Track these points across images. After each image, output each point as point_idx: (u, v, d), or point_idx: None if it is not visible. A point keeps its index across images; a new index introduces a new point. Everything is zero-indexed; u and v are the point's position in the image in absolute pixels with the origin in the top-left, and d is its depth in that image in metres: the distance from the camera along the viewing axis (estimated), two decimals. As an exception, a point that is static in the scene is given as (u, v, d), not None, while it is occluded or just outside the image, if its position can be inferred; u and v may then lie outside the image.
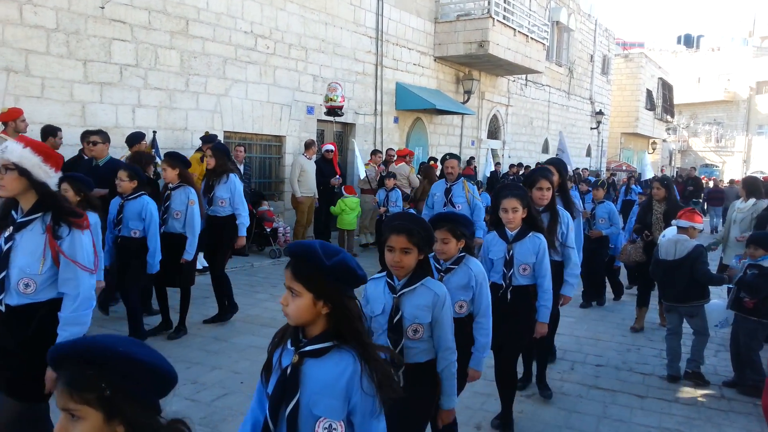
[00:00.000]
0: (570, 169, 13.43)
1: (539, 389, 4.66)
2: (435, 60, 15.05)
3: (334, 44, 11.74)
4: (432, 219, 3.11)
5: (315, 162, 10.35)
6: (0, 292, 2.75)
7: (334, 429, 1.73)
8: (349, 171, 12.57)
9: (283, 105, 10.74)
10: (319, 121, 11.62)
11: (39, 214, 2.77)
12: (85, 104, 7.66)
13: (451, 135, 16.27)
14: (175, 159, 5.65)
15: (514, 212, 3.66)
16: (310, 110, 11.31)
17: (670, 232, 5.50)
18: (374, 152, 11.80)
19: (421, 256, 2.54)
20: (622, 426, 4.22)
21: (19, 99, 6.91)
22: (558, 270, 4.26)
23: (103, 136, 6.65)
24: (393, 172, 9.99)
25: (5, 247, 2.75)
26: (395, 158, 11.50)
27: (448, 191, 6.71)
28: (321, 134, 11.88)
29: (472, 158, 15.97)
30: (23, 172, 2.71)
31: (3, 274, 2.74)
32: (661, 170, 33.03)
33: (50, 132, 6.68)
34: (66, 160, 6.73)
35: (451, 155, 6.96)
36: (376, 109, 13.11)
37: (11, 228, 2.77)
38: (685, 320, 5.28)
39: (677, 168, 41.30)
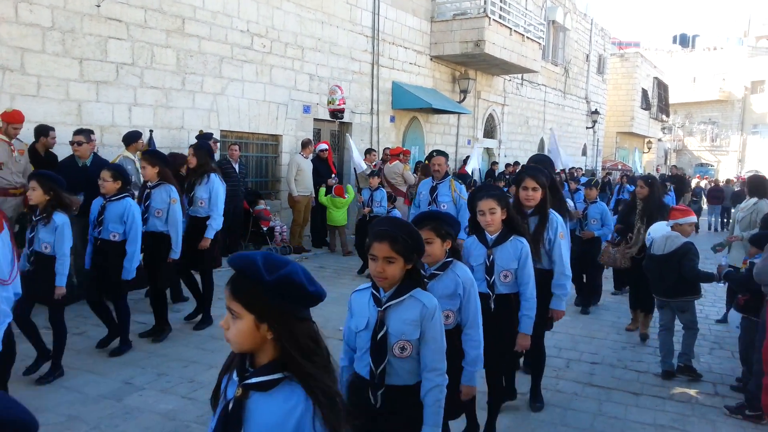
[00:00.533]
0: (563, 168, 13.36)
1: (530, 400, 4.42)
2: (431, 59, 15.06)
3: (330, 43, 11.74)
4: (414, 218, 2.92)
5: (311, 161, 10.37)
6: None
7: None
8: (346, 170, 12.59)
9: (280, 104, 10.74)
10: (315, 120, 11.62)
11: None
12: (81, 103, 7.65)
13: (447, 134, 16.29)
14: (154, 157, 5.51)
15: (491, 214, 3.40)
16: (306, 109, 11.32)
17: (656, 229, 5.53)
18: (368, 151, 11.84)
19: (408, 265, 2.30)
20: (617, 423, 4.24)
21: (14, 98, 6.90)
22: (543, 279, 3.91)
23: (86, 135, 6.65)
24: (377, 171, 9.80)
25: None
26: (389, 157, 11.52)
27: (433, 189, 6.52)
28: (317, 133, 11.89)
29: (468, 157, 15.98)
30: None
31: None
32: (656, 169, 33.14)
33: (42, 132, 6.67)
34: (60, 160, 6.77)
35: (438, 152, 6.75)
36: (372, 108, 13.12)
37: None
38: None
39: (672, 167, 41.44)
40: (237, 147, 9.38)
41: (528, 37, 16.22)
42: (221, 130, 9.63)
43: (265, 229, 9.81)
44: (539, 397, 4.43)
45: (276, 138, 10.95)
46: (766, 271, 4.28)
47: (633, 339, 6.29)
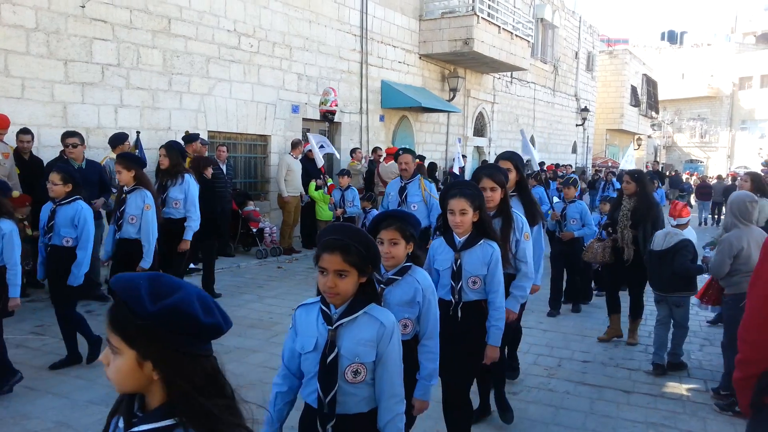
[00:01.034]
0: (534, 167, 13.16)
1: (499, 411, 4.14)
2: (420, 58, 15.04)
3: (318, 42, 11.69)
4: (377, 218, 2.70)
5: (300, 161, 10.32)
6: None
7: None
8: (335, 169, 12.54)
9: (268, 104, 10.69)
10: (304, 119, 11.57)
11: None
12: (66, 105, 7.57)
13: (437, 133, 16.28)
14: (130, 160, 5.26)
15: (462, 215, 3.11)
16: (295, 109, 11.26)
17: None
18: (354, 150, 11.81)
19: (362, 278, 2.06)
20: (609, 421, 4.23)
21: (-2, 100, 6.82)
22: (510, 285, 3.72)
23: (80, 137, 6.62)
24: (347, 170, 9.49)
25: None
26: (384, 157, 11.48)
27: (402, 190, 6.19)
28: (306, 133, 11.83)
29: (464, 156, 15.96)
30: None
31: None
32: (646, 166, 33.28)
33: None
34: (49, 162, 6.70)
35: (405, 150, 6.38)
36: (361, 108, 13.08)
37: None
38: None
39: (662, 164, 41.64)
40: (225, 148, 9.33)
41: (517, 35, 16.24)
42: (209, 131, 9.57)
43: (254, 230, 9.76)
44: (506, 405, 4.13)
45: (264, 138, 10.89)
46: (718, 266, 4.55)
47: (623, 336, 6.28)
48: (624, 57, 31.98)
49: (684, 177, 29.48)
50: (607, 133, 32.20)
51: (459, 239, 3.20)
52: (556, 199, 7.85)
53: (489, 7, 14.89)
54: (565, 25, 23.96)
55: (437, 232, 3.48)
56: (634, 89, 32.87)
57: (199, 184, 7.17)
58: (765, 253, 1.95)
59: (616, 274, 6.09)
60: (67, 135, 6.57)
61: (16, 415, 3.96)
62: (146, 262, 5.19)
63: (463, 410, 3.35)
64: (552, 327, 6.53)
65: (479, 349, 3.26)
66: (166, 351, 1.20)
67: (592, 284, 7.95)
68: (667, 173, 27.10)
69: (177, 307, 1.19)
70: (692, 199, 22.62)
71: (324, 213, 10.11)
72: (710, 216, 20.01)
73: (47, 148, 7.15)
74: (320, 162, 10.13)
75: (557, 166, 19.39)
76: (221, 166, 9.07)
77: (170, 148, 5.88)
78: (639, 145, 35.02)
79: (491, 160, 18.00)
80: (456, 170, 14.50)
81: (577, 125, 26.44)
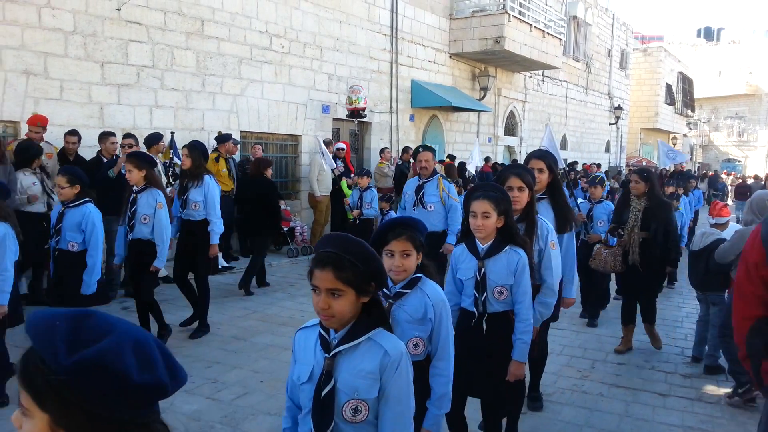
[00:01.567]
0: (563, 167, 12.70)
1: None
2: (450, 57, 14.97)
3: (348, 42, 11.73)
4: (383, 227, 2.43)
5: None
6: None
7: None
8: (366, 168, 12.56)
9: (299, 104, 10.76)
10: (334, 119, 11.62)
11: None
12: (103, 106, 7.73)
13: (468, 132, 16.19)
14: (140, 159, 5.10)
15: (484, 218, 2.88)
16: (325, 109, 11.32)
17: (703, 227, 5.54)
18: (383, 150, 11.77)
19: (362, 298, 1.77)
20: (644, 425, 4.15)
21: (38, 101, 7.00)
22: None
23: (135, 138, 6.91)
24: (367, 170, 9.08)
25: None
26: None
27: (419, 189, 5.83)
28: (337, 133, 11.89)
29: (488, 158, 15.85)
30: None
31: None
32: (681, 166, 32.57)
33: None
34: (87, 160, 6.86)
35: (425, 147, 6.02)
36: (391, 107, 13.08)
37: None
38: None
39: (698, 163, 40.76)
40: (259, 147, 9.41)
41: (548, 33, 16.06)
42: (241, 131, 9.67)
43: (285, 229, 9.82)
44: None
45: (295, 138, 10.97)
46: (724, 252, 4.72)
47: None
48: (659, 54, 31.38)
49: (722, 177, 28.83)
50: (642, 132, 31.64)
51: (482, 246, 2.96)
52: (581, 200, 7.45)
53: (520, 5, 14.76)
54: (597, 23, 23.61)
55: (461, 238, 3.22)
56: (669, 87, 32.21)
57: (259, 183, 7.52)
58: (752, 238, 2.07)
59: (627, 281, 5.70)
60: (123, 136, 6.80)
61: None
62: (160, 261, 5.11)
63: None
64: (585, 329, 6.44)
65: (504, 363, 3.03)
66: (83, 417, 0.90)
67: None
68: (704, 173, 26.53)
69: (98, 361, 0.88)
70: (729, 199, 22.15)
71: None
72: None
73: (84, 148, 7.30)
74: (332, 164, 10.06)
75: (592, 165, 19.08)
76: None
77: (193, 148, 5.70)
78: (674, 144, 34.29)
79: (521, 160, 17.84)
80: (472, 170, 13.54)
81: (610, 124, 26.03)
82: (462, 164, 13.36)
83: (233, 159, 8.76)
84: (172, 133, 8.31)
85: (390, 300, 2.38)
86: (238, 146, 9.14)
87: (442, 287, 2.61)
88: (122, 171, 5.97)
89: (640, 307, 5.64)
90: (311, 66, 10.93)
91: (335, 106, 11.44)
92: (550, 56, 16.35)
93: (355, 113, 11.17)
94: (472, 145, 16.09)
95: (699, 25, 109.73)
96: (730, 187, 27.46)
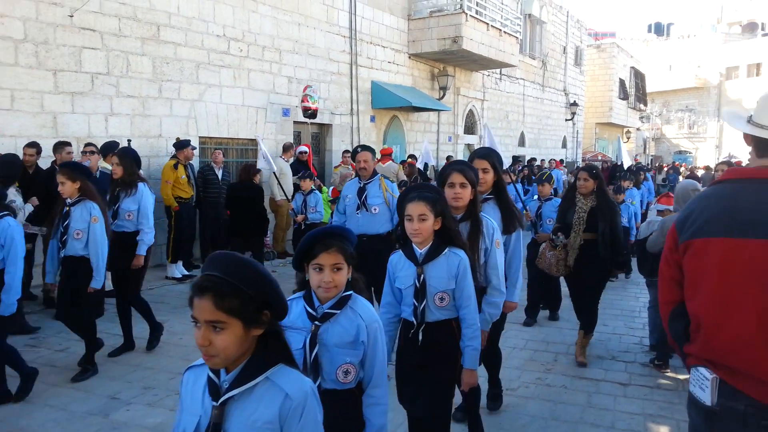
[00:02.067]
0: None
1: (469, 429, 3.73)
2: (409, 57, 15.08)
3: (308, 45, 11.71)
4: (311, 237, 2.12)
5: (291, 164, 10.32)
6: None
7: None
8: (327, 171, 12.57)
9: (259, 108, 10.70)
10: (295, 122, 11.58)
11: None
12: (56, 115, 7.56)
13: (428, 132, 16.32)
14: (74, 170, 4.74)
15: (421, 221, 2.68)
16: (285, 112, 11.27)
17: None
18: (345, 152, 11.77)
19: (256, 330, 1.50)
20: (606, 414, 4.28)
21: (-12, 112, 6.81)
22: (480, 299, 3.24)
23: (95, 146, 6.85)
24: (310, 173, 8.52)
25: None
26: (380, 157, 11.47)
27: (361, 191, 5.51)
28: (298, 136, 11.85)
29: (450, 156, 16.01)
30: None
31: None
32: (635, 159, 33.47)
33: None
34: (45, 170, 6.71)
35: (363, 147, 5.68)
36: (352, 109, 13.10)
37: None
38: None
39: (651, 156, 41.89)
40: (220, 152, 9.28)
41: (505, 32, 16.31)
42: (200, 137, 9.57)
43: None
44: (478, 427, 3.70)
45: (256, 142, 10.88)
46: (652, 242, 5.07)
47: (618, 330, 6.35)
48: (612, 50, 32.12)
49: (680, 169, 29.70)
50: (597, 127, 32.33)
51: (420, 251, 2.76)
52: (535, 198, 7.32)
53: (477, 5, 14.95)
54: (552, 21, 24.05)
55: (397, 245, 2.95)
56: (622, 82, 33.02)
57: (249, 188, 7.73)
58: (670, 234, 2.15)
59: (572, 286, 5.45)
60: (84, 144, 6.66)
61: (14, 429, 3.96)
62: (97, 281, 4.74)
63: None
64: (548, 322, 6.59)
65: (449, 375, 2.85)
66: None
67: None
68: (659, 166, 27.25)
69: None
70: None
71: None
72: None
73: (40, 159, 7.12)
74: (272, 167, 9.52)
75: (551, 161, 19.43)
76: (216, 171, 9.08)
77: (123, 155, 5.34)
78: (628, 138, 35.18)
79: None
80: (420, 167, 13.20)
81: (566, 120, 26.55)
82: (425, 164, 13.46)
83: (192, 165, 8.66)
84: (129, 141, 8.18)
85: (317, 322, 2.12)
86: (195, 151, 9.03)
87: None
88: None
89: (581, 312, 5.39)
90: (270, 69, 10.87)
91: (296, 109, 11.40)
92: (507, 54, 16.60)
93: (309, 113, 11.06)
94: (433, 144, 16.26)
95: (649, 21, 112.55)
96: (680, 178, 28.27)
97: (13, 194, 5.90)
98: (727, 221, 1.90)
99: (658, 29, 55.22)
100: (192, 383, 1.60)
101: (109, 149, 7.09)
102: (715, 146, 42.36)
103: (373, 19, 13.69)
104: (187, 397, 1.60)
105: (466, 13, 14.30)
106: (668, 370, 5.09)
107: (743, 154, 29.77)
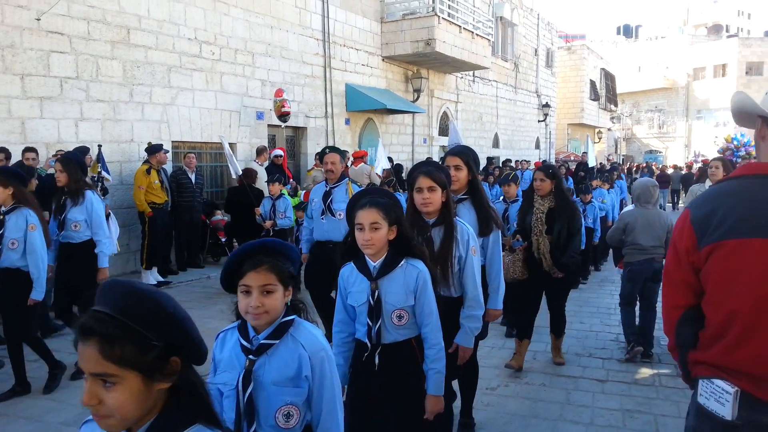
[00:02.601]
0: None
1: None
2: (383, 60, 15.09)
3: (281, 48, 11.65)
4: (239, 253, 1.84)
5: (266, 168, 10.24)
6: None
7: None
8: (302, 174, 12.50)
9: (232, 111, 10.60)
10: (269, 126, 11.51)
11: None
12: (24, 120, 7.39)
13: (403, 134, 16.36)
14: (7, 176, 4.43)
15: (373, 230, 2.36)
16: (259, 116, 11.19)
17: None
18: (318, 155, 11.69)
19: (161, 383, 1.18)
20: (585, 411, 4.31)
21: (-48, 118, 6.63)
22: (454, 311, 3.02)
23: (36, 152, 6.65)
24: (279, 176, 8.08)
25: None
26: (352, 160, 11.44)
27: (327, 195, 5.22)
28: (272, 139, 11.77)
29: (429, 158, 16.06)
30: None
31: None
32: (608, 159, 33.97)
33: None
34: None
35: (331, 149, 5.40)
36: (326, 112, 13.06)
37: None
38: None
39: (623, 155, 42.53)
40: (193, 155, 9.18)
41: (477, 34, 16.43)
42: (173, 141, 9.45)
43: (223, 240, 9.66)
44: None
45: (230, 146, 10.78)
46: (610, 235, 5.46)
47: (595, 327, 6.41)
48: (582, 52, 32.56)
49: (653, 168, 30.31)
50: (569, 128, 32.73)
51: (373, 264, 2.44)
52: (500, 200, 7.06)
53: (449, 8, 15.05)
54: (523, 23, 24.30)
55: (345, 257, 2.60)
56: (593, 83, 33.49)
57: (246, 193, 7.84)
58: (681, 222, 1.99)
59: (531, 290, 5.04)
60: (32, 150, 6.45)
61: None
62: (38, 293, 4.45)
63: None
64: (525, 321, 6.62)
65: (414, 403, 2.52)
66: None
67: None
68: (630, 167, 27.70)
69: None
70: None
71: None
72: (672, 201, 21.77)
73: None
74: (238, 171, 9.09)
75: (522, 162, 19.58)
76: (189, 176, 8.97)
77: (67, 162, 4.95)
78: (600, 138, 35.69)
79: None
80: (379, 171, 12.50)
81: (539, 121, 26.83)
82: (398, 166, 13.47)
83: (165, 170, 8.55)
84: (100, 146, 8.02)
85: (251, 356, 1.80)
86: (168, 155, 8.91)
87: None
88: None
89: (551, 317, 5.25)
90: (243, 72, 10.79)
91: (269, 112, 11.33)
92: (479, 57, 16.73)
93: (282, 117, 10.99)
94: (408, 146, 16.31)
95: (618, 23, 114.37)
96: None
97: None
98: (763, 221, 1.74)
99: (627, 31, 56.21)
100: None
101: (80, 153, 6.97)
102: (684, 145, 43.21)
103: (346, 22, 13.67)
104: None
105: (439, 16, 14.38)
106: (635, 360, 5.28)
107: (710, 153, 30.43)
